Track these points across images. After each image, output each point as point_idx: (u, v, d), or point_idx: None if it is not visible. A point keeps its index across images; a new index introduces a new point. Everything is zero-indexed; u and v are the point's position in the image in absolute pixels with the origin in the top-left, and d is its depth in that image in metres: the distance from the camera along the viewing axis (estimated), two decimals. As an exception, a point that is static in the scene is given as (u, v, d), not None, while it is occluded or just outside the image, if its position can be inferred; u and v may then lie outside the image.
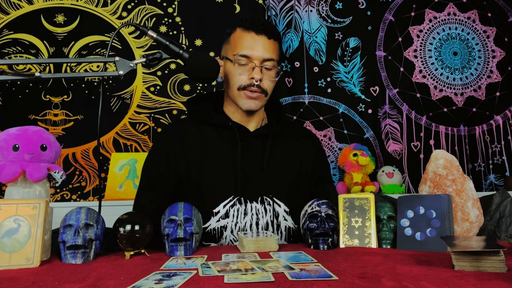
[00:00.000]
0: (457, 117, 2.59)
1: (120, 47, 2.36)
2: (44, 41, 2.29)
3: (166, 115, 2.37)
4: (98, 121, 1.04)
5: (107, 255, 0.93)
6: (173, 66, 2.41)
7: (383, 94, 2.56)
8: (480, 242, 0.79)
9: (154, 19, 2.42)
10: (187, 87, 2.40)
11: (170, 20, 2.43)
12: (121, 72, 0.93)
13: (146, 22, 2.41)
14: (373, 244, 0.98)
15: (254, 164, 1.20)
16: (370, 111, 2.54)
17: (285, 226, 1.19)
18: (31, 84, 2.25)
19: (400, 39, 2.61)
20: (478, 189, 2.45)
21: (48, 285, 0.68)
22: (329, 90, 2.53)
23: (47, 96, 2.27)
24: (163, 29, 2.42)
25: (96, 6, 2.37)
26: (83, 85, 2.31)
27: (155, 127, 2.35)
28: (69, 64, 2.27)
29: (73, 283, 0.69)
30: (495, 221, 1.09)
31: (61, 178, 0.94)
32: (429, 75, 2.61)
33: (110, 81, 2.35)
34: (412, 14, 2.65)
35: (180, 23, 2.44)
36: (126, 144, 2.31)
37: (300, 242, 1.21)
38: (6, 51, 2.25)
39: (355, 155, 2.25)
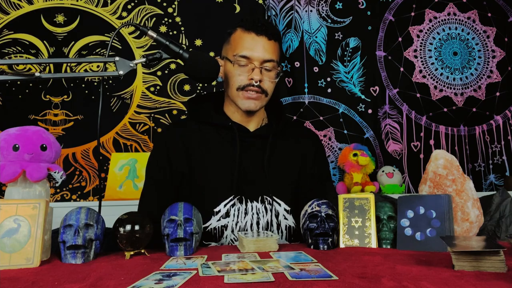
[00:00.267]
0: (457, 117, 2.59)
1: (120, 47, 2.36)
2: (44, 41, 2.29)
3: (166, 115, 2.37)
4: (98, 121, 1.04)
5: (107, 255, 0.93)
6: (173, 66, 2.41)
7: (383, 94, 2.56)
8: (480, 242, 0.79)
9: (154, 19, 2.42)
10: (187, 87, 2.40)
11: (170, 20, 2.43)
12: (121, 72, 0.93)
13: (146, 22, 2.41)
14: (373, 244, 0.98)
15: (254, 163, 1.20)
16: (370, 111, 2.54)
17: (286, 225, 1.20)
18: (31, 84, 2.25)
19: (400, 39, 2.61)
20: (478, 189, 2.45)
21: (48, 285, 0.68)
22: (329, 90, 2.53)
23: (47, 96, 2.27)
24: (163, 29, 2.42)
25: (96, 6, 2.37)
26: (83, 85, 2.31)
27: (155, 127, 2.35)
28: (69, 64, 2.27)
29: (73, 283, 0.69)
30: (495, 221, 1.09)
31: (61, 178, 0.94)
32: (429, 75, 2.61)
33: (110, 81, 2.35)
34: (412, 14, 2.65)
35: (180, 23, 2.44)
36: (126, 144, 2.31)
37: (300, 242, 1.21)
38: (6, 51, 2.25)
39: (355, 155, 2.25)
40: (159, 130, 2.34)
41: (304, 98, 2.50)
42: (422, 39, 2.64)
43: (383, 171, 2.32)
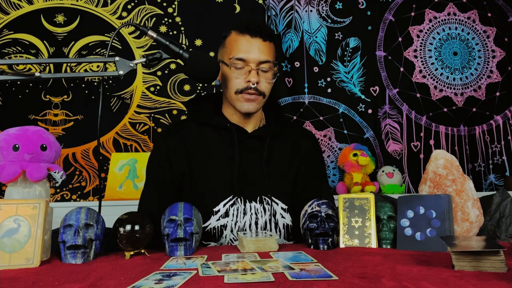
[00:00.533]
0: (457, 117, 2.59)
1: (120, 47, 2.36)
2: (44, 41, 2.29)
3: (166, 115, 2.37)
4: (98, 121, 1.04)
5: (107, 255, 0.93)
6: (173, 66, 2.41)
7: (383, 94, 2.56)
8: (480, 242, 0.79)
9: (154, 19, 2.42)
10: (187, 87, 2.40)
11: (170, 20, 2.43)
12: (121, 72, 0.93)
13: (146, 22, 2.41)
14: (373, 244, 0.98)
15: (252, 164, 1.21)
16: (370, 111, 2.54)
17: (284, 224, 1.20)
18: (31, 84, 2.25)
19: (400, 39, 2.61)
20: (478, 189, 2.45)
21: (48, 285, 0.68)
22: (329, 90, 2.53)
23: (47, 96, 2.27)
24: (163, 29, 2.42)
25: (96, 6, 2.37)
26: (83, 85, 2.31)
27: (155, 127, 2.35)
28: (69, 64, 2.27)
29: (73, 283, 0.69)
30: (495, 221, 1.09)
31: (61, 178, 0.94)
32: (429, 75, 2.61)
33: (110, 81, 2.35)
34: (412, 14, 2.65)
35: (180, 23, 2.44)
36: (126, 144, 2.31)
37: (298, 240, 1.21)
38: (6, 51, 2.25)
39: (355, 155, 2.25)
40: (159, 130, 2.34)
41: (304, 98, 2.50)
42: (422, 39, 2.64)
43: (383, 171, 2.32)
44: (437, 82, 2.61)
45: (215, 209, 1.15)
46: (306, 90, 2.51)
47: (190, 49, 1.11)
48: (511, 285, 0.63)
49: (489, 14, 2.70)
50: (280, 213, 1.20)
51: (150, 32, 0.98)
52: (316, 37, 2.56)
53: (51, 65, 2.25)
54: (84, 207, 0.91)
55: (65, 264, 0.85)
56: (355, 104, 2.54)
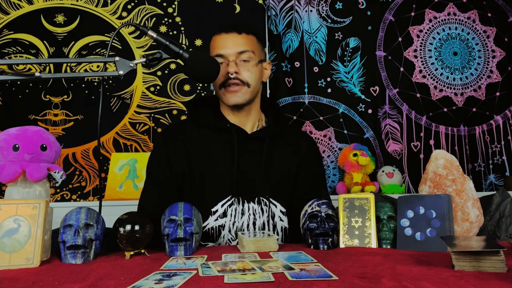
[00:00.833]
0: (457, 117, 2.59)
1: (120, 47, 2.36)
2: (44, 41, 2.29)
3: (166, 115, 2.37)
4: (98, 121, 1.04)
5: (107, 255, 0.93)
6: (173, 66, 2.41)
7: (383, 94, 2.56)
8: (480, 242, 0.79)
9: (154, 19, 2.42)
10: (187, 87, 2.40)
11: (170, 20, 2.43)
12: (121, 72, 0.93)
13: (146, 22, 2.41)
14: (373, 244, 0.98)
15: (251, 165, 1.21)
16: (370, 111, 2.54)
17: (281, 227, 1.20)
18: (31, 84, 2.25)
19: (400, 39, 2.61)
20: (478, 189, 2.45)
21: (48, 285, 0.68)
22: (329, 90, 2.53)
23: (47, 96, 2.27)
24: (163, 29, 2.42)
25: (96, 6, 2.37)
26: (83, 85, 2.31)
27: (155, 127, 2.35)
28: (69, 64, 2.27)
29: (73, 283, 0.69)
30: (495, 221, 1.09)
31: (61, 178, 0.94)
32: (429, 75, 2.61)
33: (110, 81, 2.35)
34: (412, 14, 2.65)
35: (180, 23, 2.44)
36: (126, 144, 2.31)
37: (292, 242, 1.21)
38: (6, 51, 2.25)
39: (355, 155, 2.25)
40: (159, 130, 2.34)
41: (304, 98, 2.50)
42: (422, 39, 2.64)
43: (383, 171, 2.32)
44: (437, 82, 2.61)
45: (213, 209, 1.16)
46: (306, 90, 2.51)
47: (190, 49, 1.11)
48: (511, 285, 0.63)
49: (489, 14, 2.70)
50: (279, 216, 1.20)
51: (150, 32, 0.98)
52: (316, 37, 2.56)
53: (51, 65, 2.25)
54: (84, 207, 0.91)
55: (65, 264, 0.85)
56: (355, 104, 2.54)
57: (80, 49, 2.32)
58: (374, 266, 0.77)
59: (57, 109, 2.27)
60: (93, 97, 2.31)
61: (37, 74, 0.88)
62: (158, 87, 2.38)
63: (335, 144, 2.49)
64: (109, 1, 2.39)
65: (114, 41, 2.36)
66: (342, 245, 1.00)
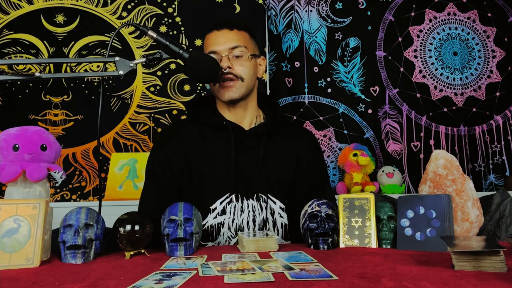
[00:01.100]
0: (457, 117, 2.59)
1: (120, 47, 2.36)
2: (44, 41, 2.29)
3: (166, 115, 2.37)
4: (98, 121, 1.04)
5: (107, 255, 0.93)
6: (173, 66, 2.41)
7: (383, 94, 2.56)
8: (480, 242, 0.79)
9: (154, 19, 2.42)
10: (187, 87, 2.40)
11: (170, 20, 2.43)
12: (121, 72, 0.93)
13: (146, 22, 2.41)
14: (373, 244, 0.98)
15: (249, 162, 1.21)
16: (370, 111, 2.54)
17: (281, 223, 1.21)
18: (31, 84, 2.25)
19: (400, 39, 2.61)
20: (478, 189, 2.45)
21: (48, 285, 0.68)
22: (329, 90, 2.53)
23: (47, 96, 2.27)
24: (163, 29, 2.42)
25: (96, 6, 2.37)
26: (83, 85, 2.31)
27: (155, 127, 2.35)
28: (69, 64, 2.27)
29: (73, 283, 0.69)
30: (495, 221, 1.09)
31: (61, 178, 0.94)
32: (429, 75, 2.61)
33: (110, 81, 2.35)
34: (412, 14, 2.65)
35: (180, 23, 2.44)
36: (126, 144, 2.31)
37: (295, 240, 1.22)
38: (6, 51, 2.25)
39: (355, 155, 2.25)
40: (159, 130, 2.34)
41: (304, 98, 2.50)
42: (422, 39, 2.64)
43: (383, 171, 2.32)
44: (437, 82, 2.61)
45: (212, 207, 1.16)
46: (306, 90, 2.51)
47: (190, 49, 1.11)
48: (511, 285, 0.63)
49: (489, 14, 2.70)
50: (279, 213, 1.20)
51: (150, 32, 0.98)
52: (316, 37, 2.56)
53: (51, 65, 2.25)
54: (84, 207, 0.91)
55: (65, 264, 0.85)
56: (355, 104, 2.54)
57: (80, 49, 2.32)
58: (374, 266, 0.77)
59: (57, 109, 2.27)
60: (93, 97, 2.31)
61: (37, 74, 0.88)
62: (158, 87, 2.38)
63: (335, 144, 2.49)
64: (109, 1, 2.39)
65: (114, 41, 2.36)
66: (342, 245, 1.00)
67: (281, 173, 1.24)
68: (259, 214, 1.18)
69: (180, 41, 2.42)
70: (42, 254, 0.84)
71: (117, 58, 0.94)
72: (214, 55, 1.20)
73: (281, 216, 1.20)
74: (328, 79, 2.53)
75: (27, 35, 2.28)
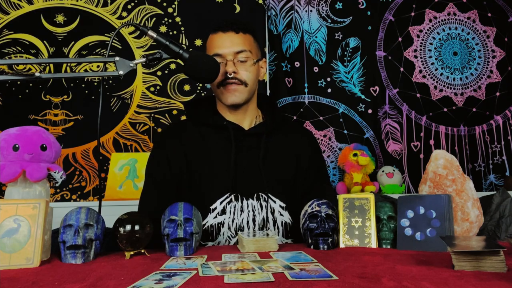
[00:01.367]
0: (457, 117, 2.59)
1: (120, 47, 2.36)
2: (44, 41, 2.29)
3: (166, 115, 2.37)
4: (98, 121, 1.04)
5: (107, 255, 0.93)
6: (173, 66, 2.41)
7: (383, 94, 2.56)
8: (480, 242, 0.79)
9: (154, 19, 2.42)
10: (187, 87, 2.40)
11: (170, 20, 2.43)
12: (121, 72, 0.93)
13: (146, 22, 2.41)
14: (373, 244, 0.98)
15: (249, 161, 1.22)
16: (370, 111, 2.54)
17: (282, 221, 1.21)
18: (31, 84, 2.25)
19: (400, 39, 2.61)
20: (478, 189, 2.45)
21: (48, 285, 0.68)
22: (329, 90, 2.53)
23: (47, 96, 2.27)
24: (163, 29, 2.42)
25: (96, 6, 2.37)
26: (83, 85, 2.31)
27: (155, 127, 2.35)
28: (69, 64, 2.27)
29: (73, 283, 0.69)
30: (495, 221, 1.09)
31: (61, 178, 0.94)
32: (429, 75, 2.61)
33: (110, 81, 2.35)
34: (412, 14, 2.65)
35: (180, 23, 2.44)
36: (126, 144, 2.31)
37: (294, 239, 1.22)
38: (6, 51, 2.25)
39: (355, 155, 2.25)
40: (159, 130, 2.34)
41: (304, 98, 2.50)
42: (422, 39, 2.64)
43: (383, 171, 2.32)
44: (437, 82, 2.61)
45: (212, 206, 1.16)
46: (306, 90, 2.51)
47: (190, 49, 1.11)
48: (511, 285, 0.63)
49: (489, 14, 2.70)
50: (279, 211, 1.20)
51: (150, 32, 0.98)
52: (316, 37, 2.56)
53: (51, 65, 2.25)
54: (84, 207, 0.91)
55: (65, 264, 0.85)
56: (355, 104, 2.54)
57: (80, 49, 2.32)
58: (374, 266, 0.77)
59: (57, 109, 2.27)
60: (93, 97, 2.31)
61: (37, 74, 0.88)
62: (158, 87, 2.38)
63: (335, 144, 2.49)
64: (109, 1, 2.39)
65: (114, 41, 2.36)
66: (342, 245, 1.00)
67: (281, 172, 1.25)
68: (259, 213, 1.18)
69: (180, 41, 2.42)
70: (42, 254, 0.84)
71: (117, 58, 0.94)
72: (219, 58, 1.20)
73: (281, 214, 1.21)
74: (328, 79, 2.53)
75: (27, 35, 2.28)
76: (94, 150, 2.27)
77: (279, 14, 2.54)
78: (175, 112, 2.38)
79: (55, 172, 0.93)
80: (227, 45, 1.21)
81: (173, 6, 2.45)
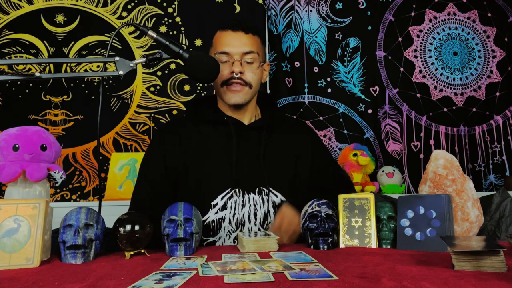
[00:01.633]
0: (457, 117, 2.59)
1: (120, 47, 2.36)
2: (44, 41, 2.29)
3: (166, 115, 2.37)
4: (98, 121, 1.04)
5: (107, 255, 0.93)
6: (173, 66, 2.41)
7: (383, 94, 2.56)
8: (480, 242, 0.79)
9: (154, 19, 2.42)
10: (187, 87, 2.40)
11: (170, 20, 2.43)
12: (121, 72, 0.93)
13: (146, 22, 2.41)
14: (373, 244, 0.98)
15: (250, 156, 1.22)
16: (370, 111, 2.54)
17: None
18: (31, 84, 2.25)
19: (400, 39, 2.61)
20: (478, 189, 2.45)
21: (48, 285, 0.68)
22: (329, 90, 2.53)
23: (47, 96, 2.27)
24: (163, 29, 2.42)
25: (96, 6, 2.37)
26: (83, 85, 2.31)
27: (155, 127, 2.35)
28: (69, 64, 2.27)
29: (73, 283, 0.69)
30: (495, 221, 1.09)
31: (61, 178, 0.94)
32: (429, 75, 2.61)
33: (110, 81, 2.35)
34: (412, 14, 2.65)
35: (180, 23, 2.44)
36: (126, 144, 2.31)
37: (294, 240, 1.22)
38: (6, 51, 2.25)
39: (355, 155, 2.25)
40: (159, 128, 2.33)
41: (304, 98, 2.50)
42: (422, 39, 2.63)
43: (383, 171, 2.32)
44: (437, 82, 2.61)
45: (213, 202, 1.17)
46: (306, 90, 2.51)
47: (190, 49, 1.11)
48: (511, 285, 0.63)
49: (489, 14, 2.70)
50: (279, 204, 1.21)
51: (150, 32, 0.98)
52: (316, 37, 2.56)
53: (51, 65, 2.25)
54: (84, 207, 0.91)
55: (65, 264, 0.85)
56: (355, 104, 2.54)
57: (80, 49, 2.32)
58: (374, 266, 0.77)
59: (57, 109, 2.27)
60: (93, 97, 2.31)
61: (37, 74, 0.88)
62: (158, 87, 2.38)
63: (335, 144, 2.49)
64: (109, 1, 2.39)
65: (114, 41, 2.36)
66: (342, 245, 1.00)
67: (282, 166, 1.25)
68: (260, 207, 1.18)
69: (180, 41, 2.42)
70: (42, 254, 0.84)
71: (117, 58, 0.94)
72: (226, 56, 1.20)
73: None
74: (328, 79, 2.53)
75: (27, 35, 2.28)
76: (94, 150, 2.27)
77: (279, 14, 2.54)
78: (175, 112, 2.38)
79: (55, 172, 0.93)
80: (236, 44, 1.21)
81: (173, 6, 2.45)
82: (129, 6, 2.40)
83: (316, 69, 2.53)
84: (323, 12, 2.58)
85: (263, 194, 1.19)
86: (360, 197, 1.02)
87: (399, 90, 2.58)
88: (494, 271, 0.70)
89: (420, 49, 2.63)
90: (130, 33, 2.38)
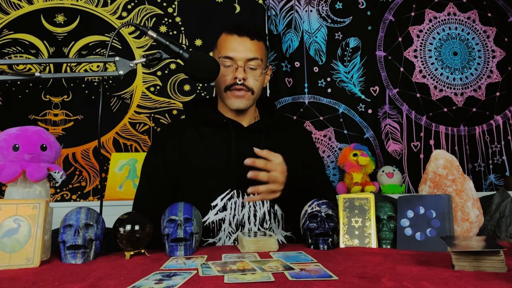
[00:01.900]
0: (457, 117, 2.59)
1: (120, 47, 2.36)
2: (44, 41, 2.29)
3: (166, 115, 2.37)
4: (98, 121, 1.04)
5: (107, 255, 0.93)
6: (173, 66, 2.41)
7: (383, 94, 2.56)
8: (480, 242, 0.79)
9: (154, 19, 2.42)
10: (187, 87, 2.40)
11: (170, 20, 2.43)
12: (121, 72, 0.93)
13: (146, 22, 2.41)
14: (373, 244, 0.98)
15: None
16: (370, 111, 2.54)
17: (282, 214, 1.22)
18: (31, 84, 2.25)
19: (400, 39, 2.61)
20: (478, 189, 2.45)
21: (48, 285, 0.68)
22: (329, 90, 2.53)
23: (47, 96, 2.27)
24: (163, 29, 2.42)
25: (96, 6, 2.37)
26: (83, 85, 2.31)
27: (155, 127, 2.35)
28: (69, 64, 2.27)
29: (73, 283, 0.69)
30: (495, 221, 1.09)
31: (61, 178, 0.94)
32: (429, 75, 2.61)
33: (110, 81, 2.35)
34: (412, 14, 2.65)
35: (180, 23, 2.44)
36: (126, 144, 2.31)
37: (293, 232, 1.22)
38: (6, 51, 2.25)
39: (355, 155, 2.25)
40: (159, 130, 2.34)
41: (304, 98, 2.50)
42: (422, 39, 2.63)
43: (383, 171, 2.32)
44: (437, 82, 2.61)
45: (213, 203, 1.17)
46: (306, 90, 2.51)
47: (190, 49, 1.11)
48: (511, 285, 0.63)
49: (489, 14, 2.70)
50: (278, 204, 1.22)
51: (150, 32, 0.98)
52: (316, 37, 2.56)
53: (51, 65, 2.25)
54: (84, 207, 0.91)
55: (65, 264, 0.85)
56: (355, 104, 2.53)
57: (80, 49, 2.32)
58: (374, 266, 0.77)
59: (57, 109, 2.27)
60: (93, 97, 2.31)
61: (37, 74, 0.88)
62: (158, 87, 2.38)
63: (335, 144, 2.49)
64: (109, 1, 2.39)
65: (114, 41, 2.36)
66: (342, 245, 1.00)
67: None
68: (260, 208, 1.19)
69: (180, 41, 2.42)
70: (42, 254, 0.84)
71: (117, 58, 0.94)
72: (229, 61, 1.21)
73: (280, 207, 1.22)
74: (328, 79, 2.53)
75: (27, 35, 2.28)
76: (94, 150, 2.27)
77: (279, 14, 2.54)
78: (175, 112, 2.38)
79: (55, 172, 0.93)
80: (241, 50, 1.21)
81: (173, 6, 2.45)
82: (129, 6, 2.40)
83: (316, 69, 2.53)
84: (323, 12, 2.58)
85: None
86: (360, 197, 1.02)
87: (399, 90, 2.58)
88: (494, 271, 0.70)
89: (420, 49, 2.63)
90: (130, 33, 2.38)
